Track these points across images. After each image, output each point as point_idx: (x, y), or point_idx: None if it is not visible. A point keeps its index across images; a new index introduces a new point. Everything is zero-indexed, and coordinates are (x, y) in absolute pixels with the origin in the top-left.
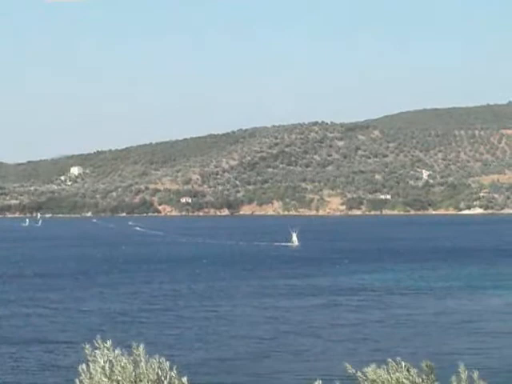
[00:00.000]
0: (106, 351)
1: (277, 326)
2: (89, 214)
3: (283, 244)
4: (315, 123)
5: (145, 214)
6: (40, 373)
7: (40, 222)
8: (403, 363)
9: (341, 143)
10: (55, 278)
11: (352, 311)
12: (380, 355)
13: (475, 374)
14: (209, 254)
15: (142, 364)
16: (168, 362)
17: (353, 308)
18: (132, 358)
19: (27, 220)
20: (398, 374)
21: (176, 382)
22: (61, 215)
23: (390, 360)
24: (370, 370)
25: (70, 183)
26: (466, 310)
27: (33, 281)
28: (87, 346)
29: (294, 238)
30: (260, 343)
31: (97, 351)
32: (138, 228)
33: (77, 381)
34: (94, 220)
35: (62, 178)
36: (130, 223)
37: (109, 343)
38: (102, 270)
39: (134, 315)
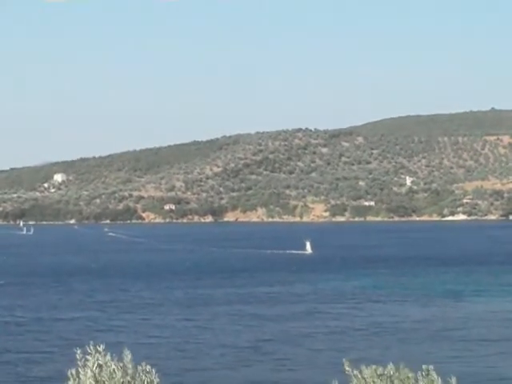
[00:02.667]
0: (96, 356)
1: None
2: (72, 221)
3: (298, 252)
4: (299, 130)
5: (128, 221)
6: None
7: (32, 230)
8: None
9: (324, 150)
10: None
11: (332, 319)
12: (363, 363)
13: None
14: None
15: (130, 371)
16: (154, 370)
17: (333, 316)
18: (121, 364)
19: (25, 228)
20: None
21: None
22: (44, 222)
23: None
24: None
25: (53, 190)
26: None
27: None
28: (78, 351)
29: (308, 246)
30: (240, 351)
31: (88, 356)
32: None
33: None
34: (76, 227)
35: (46, 185)
36: (106, 229)
37: (101, 348)
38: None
39: (110, 323)
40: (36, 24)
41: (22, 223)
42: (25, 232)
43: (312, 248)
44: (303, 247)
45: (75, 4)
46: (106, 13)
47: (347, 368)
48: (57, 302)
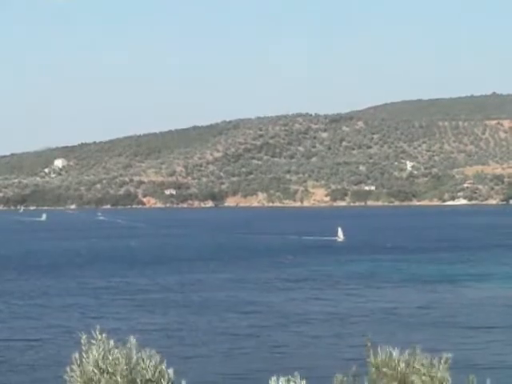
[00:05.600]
0: (100, 342)
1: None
2: (73, 206)
3: (330, 238)
4: (299, 115)
5: (129, 206)
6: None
7: (44, 216)
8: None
9: (325, 135)
10: None
11: (330, 305)
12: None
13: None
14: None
15: (134, 357)
16: (159, 355)
17: (329, 301)
18: (125, 351)
19: (44, 214)
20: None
21: (166, 375)
22: (45, 208)
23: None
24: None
25: (54, 176)
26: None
27: None
28: (84, 336)
29: (340, 232)
30: (235, 340)
31: (92, 341)
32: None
33: (68, 370)
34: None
35: (46, 170)
36: (99, 214)
37: (104, 335)
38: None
39: (102, 310)
40: (37, 13)
41: (22, 208)
42: (44, 218)
43: (344, 234)
44: (334, 233)
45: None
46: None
47: (369, 344)
48: (47, 288)
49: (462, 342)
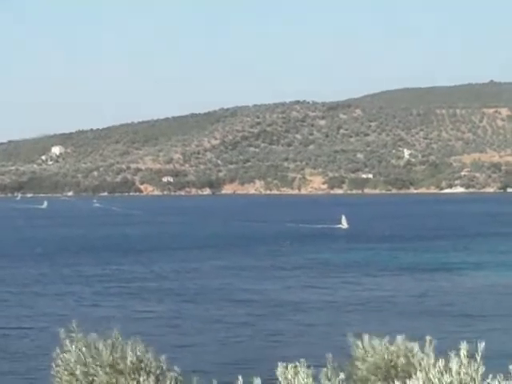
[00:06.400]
0: (80, 335)
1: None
2: (70, 193)
3: (333, 226)
4: (297, 102)
5: (126, 194)
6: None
7: (45, 203)
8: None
9: (322, 122)
10: None
11: (325, 293)
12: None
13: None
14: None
15: (118, 347)
16: (143, 345)
17: (325, 289)
18: (109, 341)
19: (45, 202)
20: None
21: (153, 363)
22: (42, 195)
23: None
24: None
25: (51, 163)
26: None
27: None
28: (62, 330)
29: (344, 220)
30: (231, 328)
31: (72, 334)
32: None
33: (53, 365)
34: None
35: (43, 157)
36: (95, 201)
37: (84, 327)
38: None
39: (96, 298)
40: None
41: (19, 196)
42: (45, 206)
43: (348, 222)
44: (338, 221)
45: None
46: None
47: (351, 339)
48: (40, 276)
49: (458, 331)
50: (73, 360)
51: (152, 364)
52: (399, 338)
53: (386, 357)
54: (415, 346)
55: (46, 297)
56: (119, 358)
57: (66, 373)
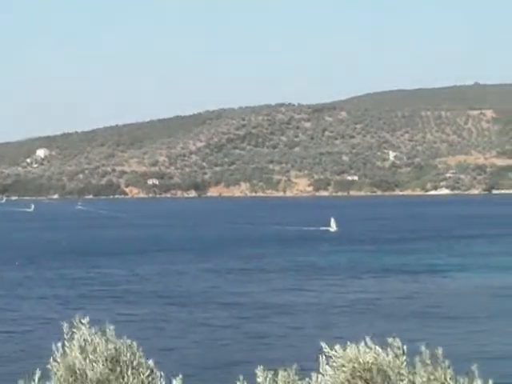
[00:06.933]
0: (83, 329)
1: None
2: (55, 196)
3: (322, 228)
4: (282, 104)
5: (111, 196)
6: None
7: (32, 207)
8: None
9: (308, 124)
10: None
11: (311, 296)
12: (342, 342)
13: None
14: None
15: (112, 345)
16: (136, 344)
17: (311, 291)
18: (105, 337)
19: (32, 205)
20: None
21: (145, 363)
22: (27, 198)
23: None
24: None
25: (36, 165)
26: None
27: None
28: (65, 324)
29: (333, 222)
30: (215, 331)
31: (74, 330)
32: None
33: (51, 359)
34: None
35: (28, 160)
36: (79, 204)
37: (86, 321)
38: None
39: (81, 301)
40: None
41: (4, 198)
42: (32, 209)
43: (337, 225)
44: (326, 224)
45: None
46: None
47: (325, 348)
48: (24, 279)
49: (443, 333)
50: (73, 354)
51: (144, 364)
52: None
53: (362, 366)
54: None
55: (30, 300)
56: (113, 356)
57: (63, 367)
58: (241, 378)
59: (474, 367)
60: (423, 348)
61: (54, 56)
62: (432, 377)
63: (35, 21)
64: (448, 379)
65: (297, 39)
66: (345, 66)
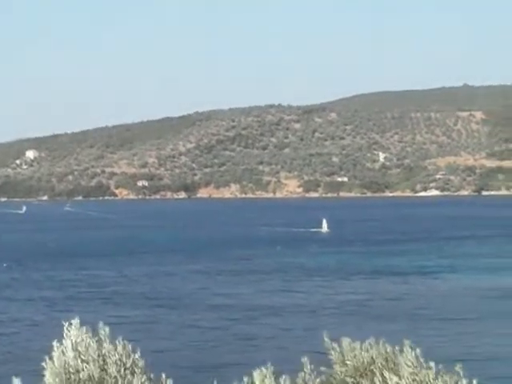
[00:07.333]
0: (75, 329)
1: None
2: (45, 197)
3: (313, 230)
4: (272, 106)
5: (101, 198)
6: None
7: (24, 208)
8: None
9: (298, 126)
10: None
11: (300, 297)
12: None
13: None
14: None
15: (105, 345)
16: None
17: (301, 293)
18: (96, 338)
19: (24, 207)
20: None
21: (139, 363)
22: (17, 199)
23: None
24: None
25: (25, 167)
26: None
27: None
28: (66, 324)
29: (324, 224)
30: (204, 332)
31: (70, 328)
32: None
33: (47, 358)
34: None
35: (18, 161)
36: (67, 205)
37: (77, 321)
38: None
39: (69, 303)
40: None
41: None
42: (23, 211)
43: (329, 226)
44: (317, 225)
45: None
46: None
47: (326, 340)
48: (11, 281)
49: (433, 334)
50: (68, 354)
51: (138, 365)
52: (379, 342)
53: (365, 360)
54: (395, 350)
55: (17, 302)
56: (107, 356)
57: (56, 366)
58: None
59: (459, 367)
60: (408, 348)
61: (53, 56)
62: (416, 377)
63: (35, 21)
64: (431, 379)
65: (286, 40)
66: (334, 67)
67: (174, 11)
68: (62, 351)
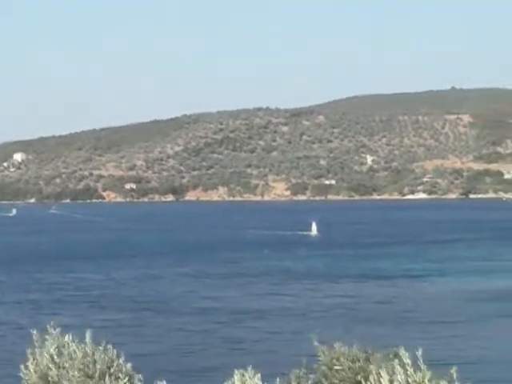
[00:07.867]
0: (55, 337)
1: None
2: (32, 200)
3: (302, 233)
4: (260, 109)
5: (88, 201)
6: None
7: (14, 211)
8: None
9: (285, 129)
10: None
11: (288, 300)
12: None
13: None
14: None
15: (89, 351)
16: (115, 350)
17: (288, 296)
18: (81, 345)
19: (14, 209)
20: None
21: (123, 368)
22: (5, 202)
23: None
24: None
25: (13, 169)
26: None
27: None
28: (35, 332)
29: (314, 227)
30: (191, 336)
31: (46, 336)
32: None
33: (22, 367)
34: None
35: (5, 164)
36: (53, 208)
37: (58, 329)
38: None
39: (55, 306)
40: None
41: None
42: (13, 214)
43: (318, 229)
44: (306, 228)
45: None
46: None
47: (316, 343)
48: None
49: (421, 337)
50: (45, 362)
51: (122, 369)
52: (367, 346)
53: (355, 364)
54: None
55: (3, 305)
56: (90, 363)
57: (36, 375)
58: None
59: (453, 370)
60: (402, 351)
61: (53, 56)
62: (410, 379)
63: (35, 21)
64: (426, 381)
65: (274, 42)
66: (322, 70)
67: (173, 11)
68: (40, 359)
